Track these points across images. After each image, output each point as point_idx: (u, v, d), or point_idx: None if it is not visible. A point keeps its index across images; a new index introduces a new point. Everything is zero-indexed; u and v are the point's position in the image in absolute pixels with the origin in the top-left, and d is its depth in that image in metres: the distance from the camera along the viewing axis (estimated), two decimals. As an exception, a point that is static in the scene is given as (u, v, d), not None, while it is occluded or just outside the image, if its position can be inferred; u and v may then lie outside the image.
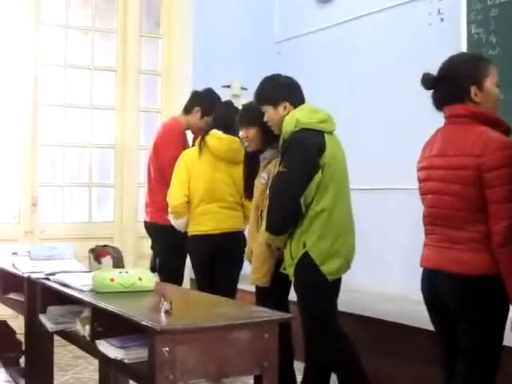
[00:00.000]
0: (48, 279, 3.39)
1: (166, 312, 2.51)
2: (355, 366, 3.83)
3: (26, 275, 3.64)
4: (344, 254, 3.87)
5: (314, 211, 3.76)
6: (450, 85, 3.08)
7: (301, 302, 3.90)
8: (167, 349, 2.35)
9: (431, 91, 3.18)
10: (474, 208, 2.97)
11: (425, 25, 5.56)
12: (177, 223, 4.84)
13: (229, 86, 6.86)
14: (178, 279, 4.94)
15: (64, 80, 6.71)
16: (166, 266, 5.07)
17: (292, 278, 3.88)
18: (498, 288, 2.94)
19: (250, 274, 4.17)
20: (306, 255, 3.77)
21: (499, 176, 2.90)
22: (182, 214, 4.78)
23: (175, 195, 4.79)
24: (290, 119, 3.82)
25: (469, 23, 5.13)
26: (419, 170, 3.22)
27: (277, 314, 2.72)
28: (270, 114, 3.98)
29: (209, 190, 4.74)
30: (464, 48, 5.13)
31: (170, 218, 4.83)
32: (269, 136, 4.13)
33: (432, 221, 3.13)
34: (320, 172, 3.74)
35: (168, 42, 7.05)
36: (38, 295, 3.52)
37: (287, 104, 3.93)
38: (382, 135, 5.47)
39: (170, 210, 4.81)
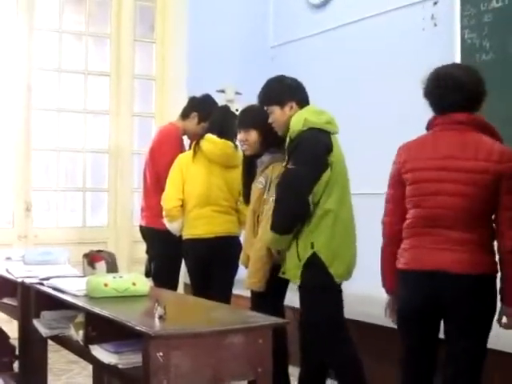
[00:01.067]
0: (42, 284, 3.38)
1: (160, 317, 2.51)
2: (359, 373, 3.80)
3: (19, 280, 3.63)
4: (348, 259, 3.85)
5: (322, 210, 3.73)
6: (468, 93, 3.15)
7: (308, 305, 3.84)
8: (161, 354, 2.35)
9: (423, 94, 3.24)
10: (481, 211, 3.07)
11: (418, 30, 5.58)
12: (171, 227, 4.84)
13: (223, 91, 6.86)
14: (172, 284, 4.94)
15: (58, 85, 6.71)
16: (161, 270, 5.07)
17: (296, 281, 3.81)
18: (493, 288, 3.06)
19: (246, 279, 4.15)
20: (314, 256, 3.73)
21: None
22: (175, 217, 4.78)
23: (169, 199, 4.79)
24: (298, 118, 3.79)
25: (462, 28, 5.15)
26: (414, 170, 3.19)
27: (271, 319, 2.72)
28: (276, 114, 3.95)
29: (203, 194, 4.74)
30: (457, 53, 5.15)
31: (165, 221, 4.84)
32: (267, 140, 4.13)
33: (430, 222, 3.12)
34: (328, 170, 3.73)
35: (162, 47, 7.06)
36: (32, 300, 3.51)
37: (294, 104, 3.92)
38: (376, 140, 5.47)
39: (164, 213, 4.81)
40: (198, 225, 4.76)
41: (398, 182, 3.26)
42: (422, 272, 3.12)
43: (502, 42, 4.88)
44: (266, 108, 4.00)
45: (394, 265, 3.25)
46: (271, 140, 4.11)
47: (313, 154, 3.73)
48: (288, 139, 3.82)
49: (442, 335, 3.23)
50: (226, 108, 5.07)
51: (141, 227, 5.35)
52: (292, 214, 3.75)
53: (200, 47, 6.89)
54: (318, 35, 6.65)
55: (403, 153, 3.28)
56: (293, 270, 3.81)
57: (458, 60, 5.14)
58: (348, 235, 3.87)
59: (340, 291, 3.86)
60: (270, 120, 3.99)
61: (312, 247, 3.73)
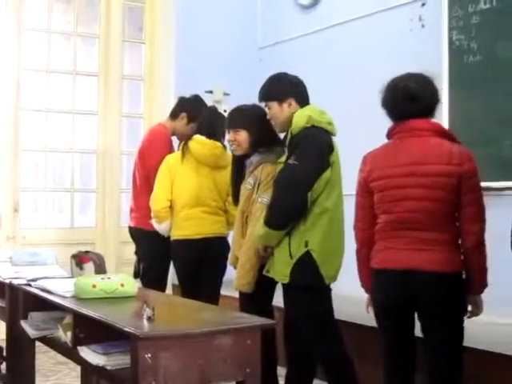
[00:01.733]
0: (30, 285, 3.38)
1: (149, 318, 2.51)
2: (349, 372, 3.79)
3: (7, 281, 3.62)
4: (338, 261, 3.83)
5: (320, 208, 3.70)
6: (423, 101, 3.31)
7: (297, 304, 3.80)
8: (150, 355, 2.34)
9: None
10: (449, 212, 3.26)
11: (406, 31, 5.60)
12: (160, 227, 4.84)
13: (211, 92, 6.87)
14: (161, 285, 4.94)
15: (46, 85, 6.70)
16: (150, 271, 5.06)
17: (284, 279, 3.76)
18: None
19: (235, 280, 4.15)
20: (307, 254, 3.69)
21: (475, 183, 3.25)
22: (164, 218, 4.79)
23: (158, 200, 4.79)
24: (301, 115, 3.76)
25: (450, 30, 5.17)
26: (380, 178, 3.35)
27: (259, 320, 2.72)
28: (274, 110, 3.92)
29: (192, 195, 4.74)
30: (445, 55, 5.17)
31: (153, 222, 4.84)
32: (257, 140, 4.13)
33: (400, 225, 3.29)
34: (329, 169, 3.71)
35: (150, 48, 7.06)
36: (20, 301, 3.51)
37: (293, 101, 3.89)
38: (362, 141, 5.48)
39: (152, 214, 4.81)
40: (186, 226, 4.76)
41: (364, 190, 3.45)
42: (394, 271, 3.29)
43: (489, 43, 4.90)
44: (264, 104, 3.98)
45: (369, 265, 3.44)
46: (261, 140, 4.11)
47: (316, 151, 3.70)
48: (289, 135, 3.79)
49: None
50: (214, 109, 5.07)
51: (130, 228, 5.34)
52: (290, 209, 3.69)
53: (188, 48, 6.89)
54: (307, 36, 6.66)
55: (369, 162, 3.45)
56: (282, 267, 3.76)
57: (445, 61, 5.17)
58: (340, 237, 3.85)
59: (330, 290, 3.85)
60: (268, 116, 3.97)
61: (306, 245, 3.69)
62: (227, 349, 2.50)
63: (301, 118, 3.75)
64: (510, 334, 4.16)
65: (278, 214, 3.71)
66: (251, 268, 4.01)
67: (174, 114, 5.21)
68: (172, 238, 4.83)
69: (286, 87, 3.94)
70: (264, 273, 3.92)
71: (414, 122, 3.30)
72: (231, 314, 2.94)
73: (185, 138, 4.92)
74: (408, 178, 3.27)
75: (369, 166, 3.43)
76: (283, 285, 3.83)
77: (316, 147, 3.71)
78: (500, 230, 3.10)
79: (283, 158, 3.81)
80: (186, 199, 4.74)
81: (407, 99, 3.30)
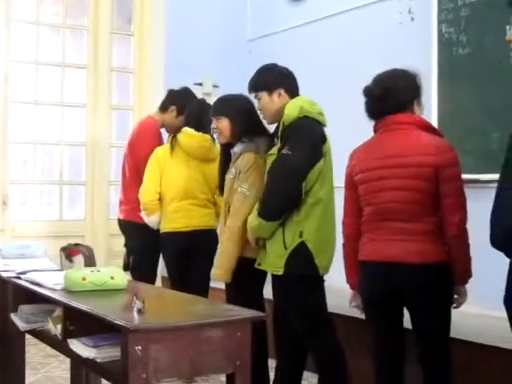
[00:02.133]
0: (19, 278, 3.38)
1: (139, 311, 2.51)
2: (342, 366, 3.79)
3: (-4, 274, 3.62)
4: (331, 252, 3.81)
5: (314, 198, 3.69)
6: (397, 97, 3.38)
7: (291, 295, 3.78)
8: (140, 347, 2.35)
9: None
10: (430, 202, 3.30)
11: (395, 24, 5.60)
12: (149, 220, 4.85)
13: (201, 84, 6.86)
14: (151, 277, 4.94)
15: (35, 77, 6.67)
16: (139, 264, 5.07)
17: (278, 270, 3.73)
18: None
19: (212, 269, 4.16)
20: (301, 245, 3.67)
21: (454, 172, 3.29)
22: (153, 210, 4.79)
23: (147, 192, 4.79)
24: (293, 106, 3.76)
25: (439, 22, 5.17)
26: (362, 171, 3.43)
27: (250, 313, 2.72)
28: (264, 100, 3.91)
29: (181, 188, 4.74)
30: (434, 47, 5.17)
31: (143, 214, 4.84)
32: (239, 129, 4.12)
33: (381, 216, 3.36)
34: (322, 160, 3.71)
35: (140, 40, 7.03)
36: (10, 294, 3.51)
37: (282, 91, 3.88)
38: (351, 133, 5.48)
39: (141, 206, 4.82)
40: (175, 218, 4.77)
41: (350, 185, 3.53)
42: (381, 263, 3.33)
43: (479, 36, 4.91)
44: (254, 95, 3.97)
45: (355, 260, 3.49)
46: (243, 129, 4.11)
47: (309, 141, 3.70)
48: (281, 126, 3.78)
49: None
50: (202, 101, 5.07)
51: (119, 220, 5.34)
52: (284, 199, 3.68)
53: (178, 40, 6.88)
54: (296, 29, 6.66)
55: (354, 156, 3.55)
56: (276, 259, 3.74)
57: (435, 54, 5.17)
58: (332, 228, 3.83)
59: (323, 281, 3.84)
60: (257, 106, 3.98)
61: (300, 236, 3.68)
62: (217, 341, 2.51)
63: (293, 108, 3.75)
64: (493, 325, 4.19)
65: (271, 205, 3.70)
66: (229, 258, 3.98)
67: (164, 107, 5.21)
68: (161, 231, 4.84)
69: (275, 77, 3.93)
70: (256, 266, 3.91)
71: (394, 116, 3.37)
72: (221, 306, 2.96)
73: (174, 131, 4.93)
74: (383, 169, 3.35)
75: (353, 160, 3.52)
76: (275, 276, 3.81)
77: (309, 137, 3.71)
78: (488, 223, 3.11)
79: (275, 150, 3.81)
80: (175, 192, 4.75)
81: (376, 98, 3.40)
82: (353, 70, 5.82)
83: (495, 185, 2.75)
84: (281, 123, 3.81)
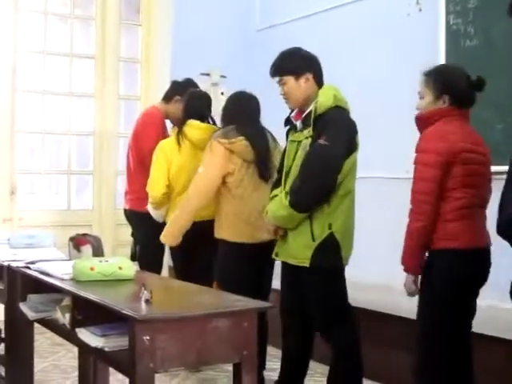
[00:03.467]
0: (28, 268, 3.40)
1: (147, 301, 2.53)
2: (358, 356, 3.76)
3: (5, 263, 3.64)
4: (351, 243, 3.76)
5: (344, 190, 3.62)
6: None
7: (315, 287, 3.68)
8: (148, 337, 2.37)
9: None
10: None
11: (403, 15, 5.58)
12: (156, 214, 4.86)
13: (208, 74, 6.85)
14: (157, 267, 4.96)
15: (43, 67, 6.69)
16: (146, 253, 5.09)
17: (304, 262, 3.62)
18: None
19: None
20: (330, 237, 3.60)
21: None
22: (162, 204, 4.81)
23: (156, 186, 4.79)
24: (327, 94, 3.65)
25: (447, 14, 5.15)
26: (466, 151, 3.38)
27: (256, 303, 2.75)
28: (289, 84, 3.75)
29: (189, 180, 4.75)
30: (442, 39, 5.15)
31: (149, 208, 4.85)
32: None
33: (480, 202, 3.45)
34: (356, 152, 3.67)
35: (147, 30, 7.04)
36: (18, 283, 3.53)
37: (310, 76, 3.75)
38: (360, 126, 5.49)
39: (150, 200, 4.82)
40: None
41: (444, 162, 3.33)
42: (478, 249, 3.40)
43: (486, 27, 4.89)
44: (279, 79, 3.80)
45: (427, 246, 3.38)
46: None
47: (347, 132, 3.64)
48: (313, 114, 3.65)
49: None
50: (201, 93, 5.07)
51: (125, 210, 5.36)
52: (320, 191, 3.58)
53: (185, 30, 6.87)
54: (304, 19, 6.64)
55: (450, 136, 3.37)
56: (302, 250, 3.64)
57: (442, 45, 5.16)
58: (354, 219, 3.78)
59: (344, 272, 3.78)
60: (281, 91, 3.82)
61: (330, 228, 3.60)
62: (224, 331, 2.53)
63: (327, 97, 3.65)
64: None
65: (306, 196, 3.59)
66: (172, 224, 4.54)
67: (168, 98, 5.22)
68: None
69: (303, 61, 3.80)
70: (273, 256, 3.86)
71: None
72: (228, 296, 2.97)
73: (179, 122, 4.93)
74: (478, 155, 3.43)
75: (452, 137, 3.37)
76: (298, 268, 3.70)
77: (346, 129, 3.65)
78: (494, 215, 3.11)
79: (298, 136, 3.74)
80: (184, 184, 4.74)
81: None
82: (361, 61, 5.82)
83: (500, 176, 2.75)
84: (312, 110, 3.67)
